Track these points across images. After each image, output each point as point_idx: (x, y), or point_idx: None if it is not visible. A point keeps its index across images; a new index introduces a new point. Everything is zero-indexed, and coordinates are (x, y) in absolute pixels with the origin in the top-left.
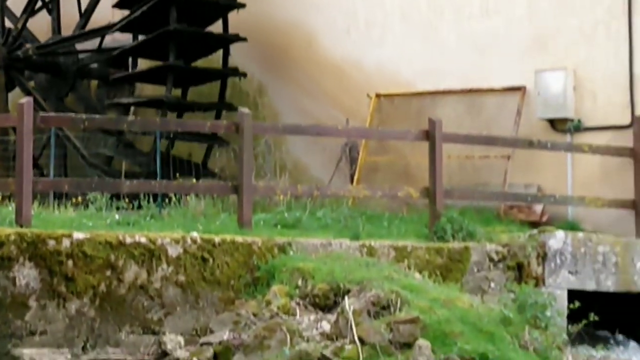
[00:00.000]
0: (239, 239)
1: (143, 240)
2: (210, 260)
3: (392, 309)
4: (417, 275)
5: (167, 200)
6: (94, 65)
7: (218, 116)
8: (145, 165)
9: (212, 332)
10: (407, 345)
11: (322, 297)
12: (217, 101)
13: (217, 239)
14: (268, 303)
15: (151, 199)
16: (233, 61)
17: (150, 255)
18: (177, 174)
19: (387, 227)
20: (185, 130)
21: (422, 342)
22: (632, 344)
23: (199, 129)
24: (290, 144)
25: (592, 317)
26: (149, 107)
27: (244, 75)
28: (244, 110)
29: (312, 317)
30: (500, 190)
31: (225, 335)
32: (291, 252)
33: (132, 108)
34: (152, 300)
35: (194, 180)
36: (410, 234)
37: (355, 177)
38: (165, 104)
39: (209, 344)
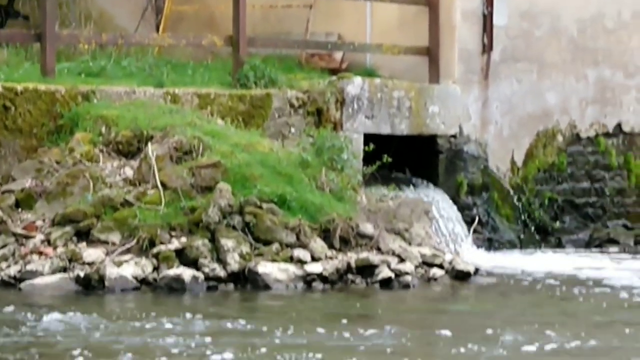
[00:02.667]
0: (42, 87)
1: None
2: (12, 108)
3: (194, 154)
4: (220, 121)
5: None
6: None
7: None
8: None
9: (14, 180)
10: (209, 189)
11: (125, 143)
12: None
13: (19, 87)
14: (71, 150)
15: None
16: None
17: None
18: None
19: (191, 75)
20: None
21: (223, 185)
22: (423, 183)
23: None
24: None
25: (386, 159)
26: None
27: None
28: None
29: (116, 163)
30: (302, 38)
31: (28, 182)
32: (95, 100)
33: None
34: None
35: None
36: (214, 82)
37: (161, 27)
38: None
39: (10, 191)
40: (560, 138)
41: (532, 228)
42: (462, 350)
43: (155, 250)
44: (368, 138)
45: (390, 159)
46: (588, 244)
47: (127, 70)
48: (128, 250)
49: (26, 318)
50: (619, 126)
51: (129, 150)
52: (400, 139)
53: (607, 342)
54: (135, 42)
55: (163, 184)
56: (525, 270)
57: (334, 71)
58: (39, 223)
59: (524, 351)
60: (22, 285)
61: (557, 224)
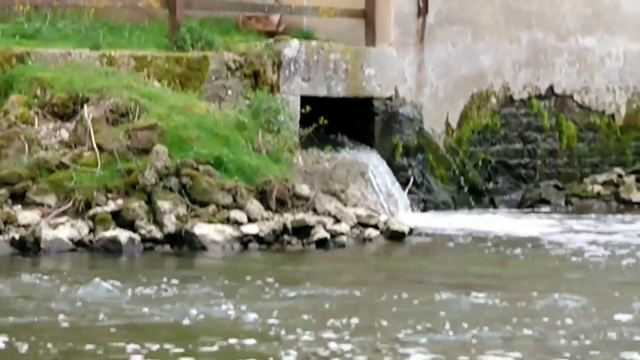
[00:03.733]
0: None
1: None
2: None
3: (130, 117)
4: (157, 84)
5: None
6: None
7: None
8: None
9: None
10: (145, 151)
11: (61, 106)
12: None
13: None
14: (6, 113)
15: None
16: None
17: None
18: None
19: (127, 37)
20: None
21: (160, 148)
22: (358, 145)
23: None
24: None
25: (322, 121)
26: None
27: None
28: None
29: (51, 125)
30: (239, 0)
31: None
32: (30, 62)
33: None
34: None
35: None
36: (151, 44)
37: None
38: None
39: None
40: (494, 100)
41: (466, 189)
42: (394, 309)
43: (91, 212)
44: (305, 100)
45: (326, 121)
46: (520, 205)
47: (62, 32)
48: (64, 213)
49: None
50: (551, 88)
51: (64, 112)
52: (336, 101)
53: (528, 296)
54: (71, 4)
55: (99, 146)
56: (459, 230)
57: (271, 34)
58: None
59: (454, 307)
60: None
61: (491, 185)
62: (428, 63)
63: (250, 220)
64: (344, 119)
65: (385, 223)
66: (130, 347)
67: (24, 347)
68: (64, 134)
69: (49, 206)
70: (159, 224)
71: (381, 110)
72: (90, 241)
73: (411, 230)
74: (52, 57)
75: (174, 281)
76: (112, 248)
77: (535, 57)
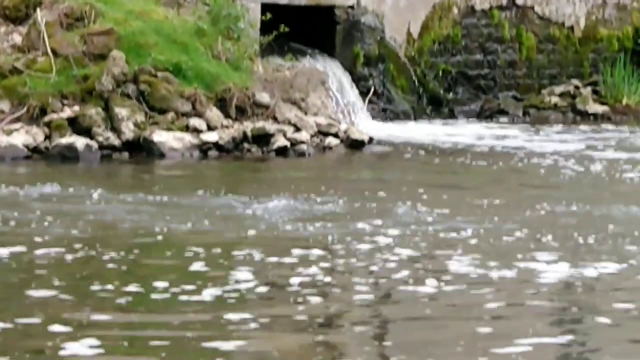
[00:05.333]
0: None
1: None
2: None
3: (86, 21)
4: None
5: None
6: None
7: None
8: None
9: None
10: (102, 57)
11: (12, 9)
12: None
13: None
14: None
15: None
16: None
17: None
18: None
19: None
20: None
21: (117, 53)
22: (320, 54)
23: None
24: None
25: (283, 28)
26: None
27: None
28: None
29: (3, 29)
30: None
31: None
32: None
33: None
34: None
35: None
36: None
37: None
38: None
39: None
40: (455, 10)
41: (426, 99)
42: (353, 220)
43: (46, 118)
44: (265, 8)
45: (287, 29)
46: (479, 115)
47: None
48: (18, 119)
49: None
50: None
51: (16, 15)
52: (297, 9)
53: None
54: None
55: (54, 51)
56: (417, 139)
57: None
58: None
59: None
60: None
61: (450, 95)
62: None
63: (210, 128)
64: (305, 28)
65: (345, 132)
66: None
67: None
68: (17, 38)
69: (2, 112)
70: (117, 131)
71: (343, 19)
72: (46, 148)
73: (371, 139)
74: None
75: (134, 188)
76: (69, 155)
77: None
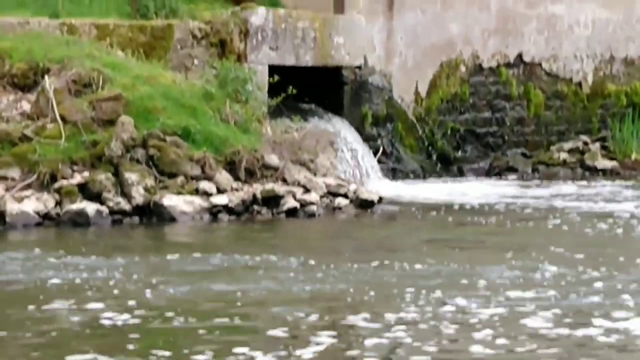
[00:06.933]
0: None
1: None
2: None
3: (94, 87)
4: (120, 53)
5: None
6: None
7: None
8: None
9: None
10: (110, 122)
11: (20, 76)
12: None
13: None
14: None
15: None
16: None
17: None
18: None
19: (88, 4)
20: None
21: (125, 118)
22: (328, 114)
23: None
24: None
25: (291, 90)
26: None
27: None
28: None
29: (12, 97)
30: None
31: None
32: None
33: None
34: None
35: None
36: (113, 12)
37: None
38: None
39: None
40: (463, 68)
41: (435, 158)
42: (365, 275)
43: (56, 185)
44: (273, 69)
45: (295, 91)
46: (488, 172)
47: (19, 0)
48: (29, 186)
49: None
50: (519, 56)
51: (25, 83)
52: (305, 70)
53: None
54: None
55: (62, 118)
56: (427, 198)
57: (237, 1)
58: None
59: (416, 273)
60: None
61: (459, 153)
62: (397, 31)
63: (220, 191)
64: (313, 89)
65: (354, 192)
66: None
67: None
68: (25, 106)
69: (13, 179)
70: (127, 196)
71: (350, 79)
72: (57, 214)
73: (380, 199)
74: (10, 26)
75: (147, 252)
76: (80, 221)
77: (505, 24)
